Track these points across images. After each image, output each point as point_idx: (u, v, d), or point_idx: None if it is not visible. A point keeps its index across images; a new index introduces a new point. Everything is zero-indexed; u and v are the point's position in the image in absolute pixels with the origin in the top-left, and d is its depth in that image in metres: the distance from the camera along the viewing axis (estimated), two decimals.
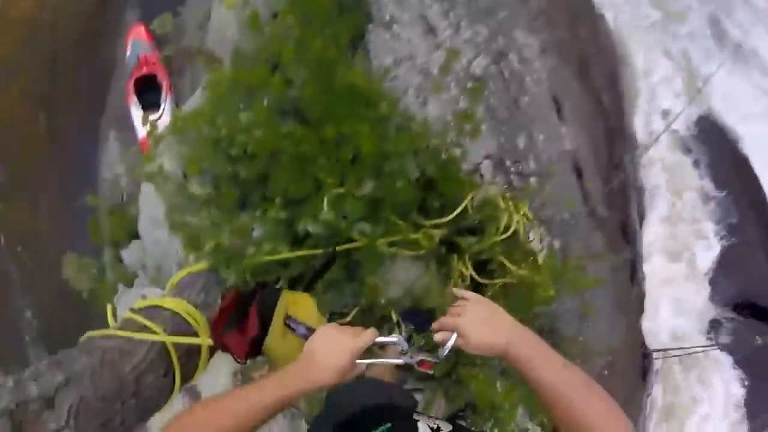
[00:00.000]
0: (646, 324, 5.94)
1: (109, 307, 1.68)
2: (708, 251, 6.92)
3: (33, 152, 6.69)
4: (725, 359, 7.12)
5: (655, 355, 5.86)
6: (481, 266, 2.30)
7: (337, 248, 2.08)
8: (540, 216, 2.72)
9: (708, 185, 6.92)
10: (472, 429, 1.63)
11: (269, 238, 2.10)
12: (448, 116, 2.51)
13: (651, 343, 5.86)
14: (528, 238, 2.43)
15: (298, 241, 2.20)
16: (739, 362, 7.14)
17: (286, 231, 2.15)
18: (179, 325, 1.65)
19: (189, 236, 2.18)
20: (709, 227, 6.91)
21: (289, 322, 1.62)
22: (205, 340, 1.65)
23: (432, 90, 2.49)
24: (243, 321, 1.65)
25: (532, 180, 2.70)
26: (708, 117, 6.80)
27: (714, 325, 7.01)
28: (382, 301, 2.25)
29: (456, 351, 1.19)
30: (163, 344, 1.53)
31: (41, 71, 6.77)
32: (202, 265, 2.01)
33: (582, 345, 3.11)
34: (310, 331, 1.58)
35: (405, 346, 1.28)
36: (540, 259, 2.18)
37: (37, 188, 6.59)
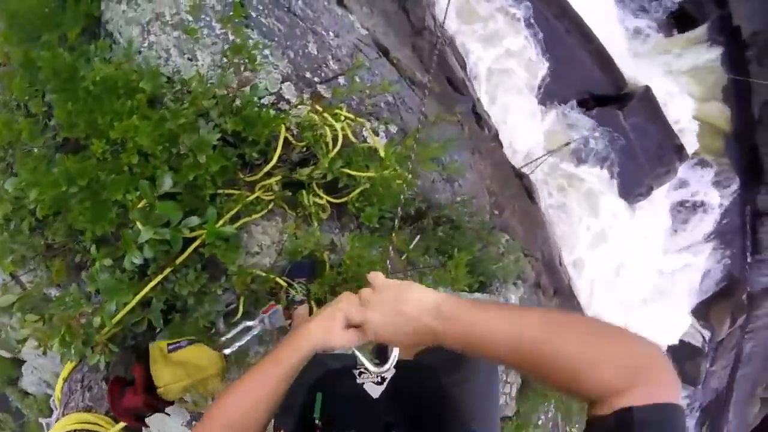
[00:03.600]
0: (510, 153, 6.41)
1: None
2: (536, 66, 7.48)
3: None
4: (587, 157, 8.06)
5: (527, 170, 6.34)
6: (333, 187, 2.19)
7: (179, 260, 1.85)
8: (365, 111, 2.61)
9: (517, 11, 7.32)
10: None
11: (108, 295, 1.83)
12: (222, 57, 2.23)
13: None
14: (363, 138, 2.33)
15: (141, 273, 1.95)
16: (603, 151, 8.12)
17: (125, 277, 1.88)
18: None
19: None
20: (530, 44, 7.39)
21: (169, 347, 1.64)
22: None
23: (190, 38, 2.17)
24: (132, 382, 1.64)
25: (340, 80, 2.55)
26: None
27: (570, 125, 7.80)
28: (262, 275, 2.08)
29: None
30: None
31: None
32: (69, 365, 1.84)
33: (462, 203, 3.21)
34: (191, 341, 1.64)
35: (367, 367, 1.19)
36: (380, 150, 2.10)
37: None
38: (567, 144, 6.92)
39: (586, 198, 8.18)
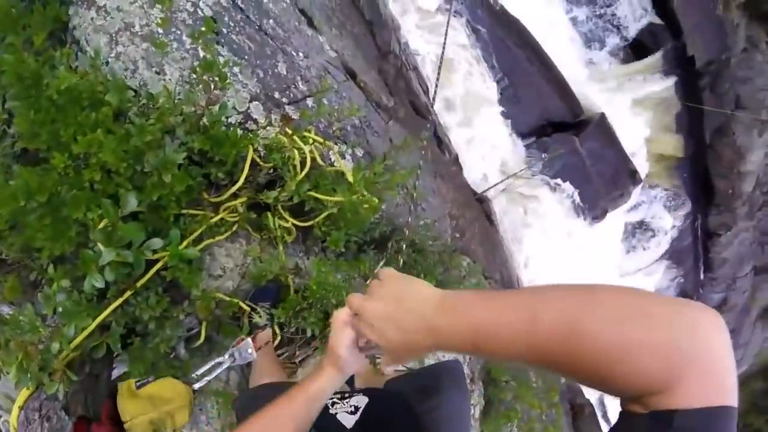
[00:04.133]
0: (471, 178, 6.55)
1: None
2: (495, 92, 7.72)
3: None
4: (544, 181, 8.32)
5: (489, 194, 6.49)
6: (299, 210, 2.17)
7: (140, 283, 1.79)
8: (332, 134, 2.62)
9: (474, 41, 7.56)
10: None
11: (66, 318, 1.75)
12: (191, 74, 2.19)
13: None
14: (330, 161, 2.33)
15: (100, 295, 1.87)
16: (560, 175, 8.40)
17: (81, 297, 1.79)
18: None
19: None
20: (486, 74, 7.64)
21: (136, 383, 1.62)
22: None
23: (159, 52, 2.13)
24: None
25: (309, 102, 2.55)
26: None
27: (529, 150, 8.04)
28: (225, 300, 2.03)
29: None
30: None
31: None
32: (26, 393, 1.74)
33: (425, 227, 3.25)
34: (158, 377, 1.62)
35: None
36: (348, 175, 2.10)
37: None
38: (525, 169, 7.13)
39: (542, 219, 8.43)
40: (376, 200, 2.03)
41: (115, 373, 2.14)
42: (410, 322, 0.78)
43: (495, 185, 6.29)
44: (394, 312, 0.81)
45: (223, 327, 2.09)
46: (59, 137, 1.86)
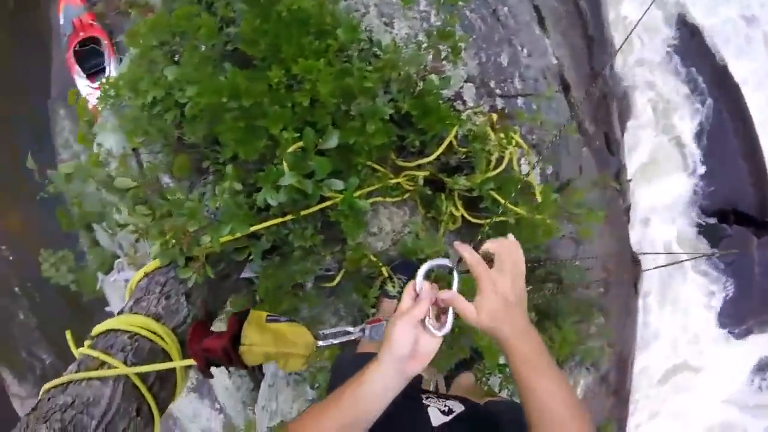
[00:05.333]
0: (633, 233, 5.95)
1: (68, 334, 1.42)
2: (690, 159, 6.91)
3: None
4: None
5: (644, 264, 5.89)
6: (472, 204, 2.08)
7: (306, 212, 1.82)
8: (529, 140, 2.47)
9: (688, 92, 6.80)
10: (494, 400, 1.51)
11: (226, 218, 1.79)
12: (420, 36, 2.17)
13: (639, 250, 5.90)
14: (520, 167, 2.20)
15: (262, 208, 1.93)
16: (724, 271, 7.33)
17: (245, 204, 1.85)
18: (143, 347, 1.41)
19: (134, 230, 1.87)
20: (690, 135, 6.86)
21: (268, 317, 1.56)
22: (177, 361, 1.45)
23: (402, 3, 2.12)
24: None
25: (519, 100, 2.43)
26: (687, 20, 6.58)
27: (701, 231, 7.11)
28: (371, 259, 2.03)
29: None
30: (128, 378, 1.30)
31: None
32: (156, 264, 1.74)
33: (578, 269, 2.99)
34: (291, 320, 1.56)
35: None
36: (537, 190, 1.95)
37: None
38: (699, 256, 6.28)
39: (683, 311, 7.46)
40: (555, 227, 1.86)
41: (243, 275, 2.25)
42: (523, 299, 0.99)
43: (655, 253, 5.63)
44: (521, 280, 1.00)
45: (357, 282, 2.10)
46: (278, 52, 1.88)
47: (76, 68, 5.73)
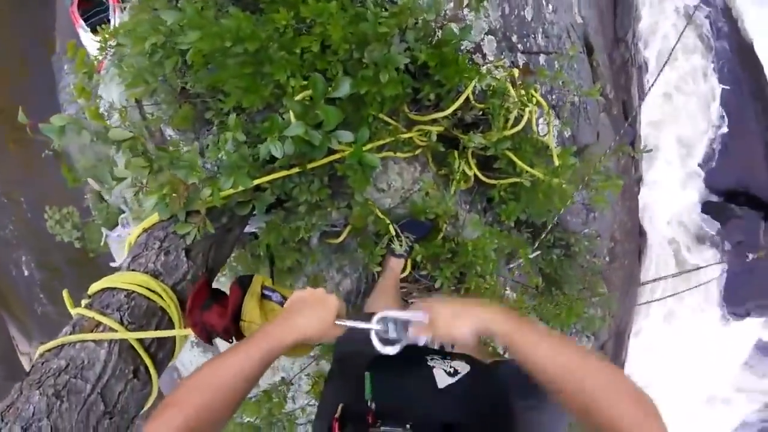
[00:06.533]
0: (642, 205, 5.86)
1: (65, 293, 1.38)
2: (705, 136, 6.76)
3: None
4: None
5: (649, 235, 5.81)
6: (486, 163, 2.00)
7: (313, 165, 1.74)
8: (548, 101, 2.37)
9: (709, 69, 6.58)
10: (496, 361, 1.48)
11: (228, 170, 1.68)
12: None
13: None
14: (538, 128, 2.10)
15: (267, 160, 1.84)
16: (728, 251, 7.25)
17: (249, 156, 1.75)
18: (139, 306, 1.36)
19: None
20: (708, 113, 6.69)
21: (264, 291, 1.57)
22: (175, 318, 1.41)
23: None
24: (221, 298, 1.54)
25: (540, 58, 2.30)
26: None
27: (708, 209, 7.00)
28: (378, 216, 1.97)
29: None
30: (123, 338, 1.25)
31: None
32: (154, 218, 1.67)
33: (588, 236, 2.93)
34: (285, 298, 1.56)
35: (388, 332, 1.14)
36: (555, 153, 1.87)
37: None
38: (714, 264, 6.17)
39: (684, 282, 7.43)
40: (571, 193, 1.79)
41: (246, 229, 2.19)
42: (474, 304, 1.06)
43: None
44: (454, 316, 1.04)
45: (363, 239, 2.05)
46: None
47: (80, 22, 5.57)
